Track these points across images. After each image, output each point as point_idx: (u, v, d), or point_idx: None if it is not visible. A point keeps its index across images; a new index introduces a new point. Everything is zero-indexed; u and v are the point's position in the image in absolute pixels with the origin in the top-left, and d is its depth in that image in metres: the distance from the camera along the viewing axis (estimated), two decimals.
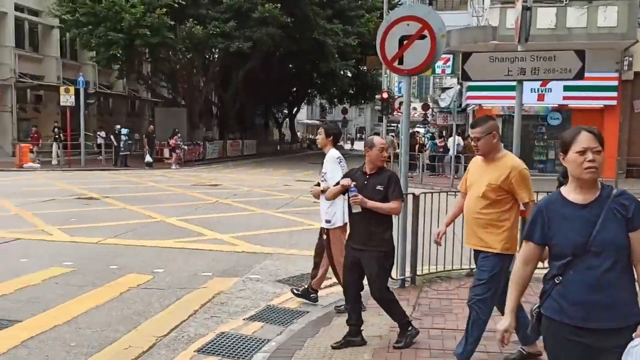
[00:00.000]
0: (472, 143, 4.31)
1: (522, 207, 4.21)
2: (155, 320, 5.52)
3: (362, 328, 4.81)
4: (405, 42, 6.32)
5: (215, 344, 4.93)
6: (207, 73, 31.71)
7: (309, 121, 79.82)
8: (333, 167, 5.67)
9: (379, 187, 4.56)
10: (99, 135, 28.43)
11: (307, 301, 6.06)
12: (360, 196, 4.48)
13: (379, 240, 4.56)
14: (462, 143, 23.67)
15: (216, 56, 31.56)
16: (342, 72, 36.79)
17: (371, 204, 4.49)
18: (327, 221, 5.63)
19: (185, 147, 27.62)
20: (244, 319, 5.60)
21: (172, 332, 5.21)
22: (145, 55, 29.63)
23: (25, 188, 16.27)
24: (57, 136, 25.60)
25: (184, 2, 25.39)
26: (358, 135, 79.66)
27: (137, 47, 25.87)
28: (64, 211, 12.03)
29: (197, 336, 5.12)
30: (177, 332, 5.21)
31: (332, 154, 5.75)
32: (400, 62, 6.42)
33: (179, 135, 26.24)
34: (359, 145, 58.52)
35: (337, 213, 5.55)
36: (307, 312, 5.83)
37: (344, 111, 59.26)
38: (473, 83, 18.39)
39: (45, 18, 30.97)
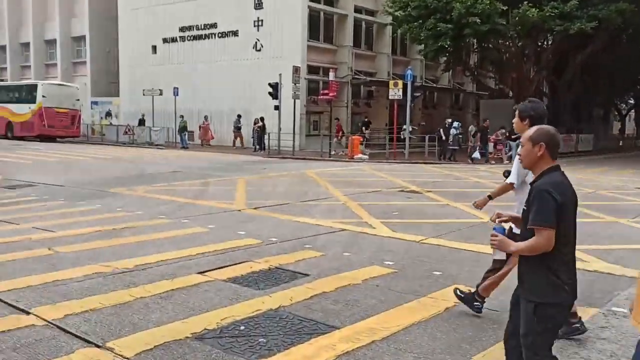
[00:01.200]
0: None
1: None
2: (489, 356, 4.30)
3: None
4: None
5: None
6: (539, 60, 29.13)
7: None
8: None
9: (525, 206, 3.14)
10: (405, 128, 28.51)
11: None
12: (500, 236, 3.12)
13: (529, 287, 3.13)
14: None
15: (549, 41, 28.72)
16: None
17: (514, 247, 3.11)
18: None
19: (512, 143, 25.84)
20: None
21: None
22: (472, 46, 28.73)
23: (354, 178, 16.92)
24: (361, 130, 26.52)
25: None
26: None
27: (465, 37, 25.18)
28: (387, 204, 11.79)
29: None
30: None
31: None
32: None
33: (503, 130, 24.65)
34: None
35: None
36: None
37: None
38: None
39: (379, 17, 32.72)
